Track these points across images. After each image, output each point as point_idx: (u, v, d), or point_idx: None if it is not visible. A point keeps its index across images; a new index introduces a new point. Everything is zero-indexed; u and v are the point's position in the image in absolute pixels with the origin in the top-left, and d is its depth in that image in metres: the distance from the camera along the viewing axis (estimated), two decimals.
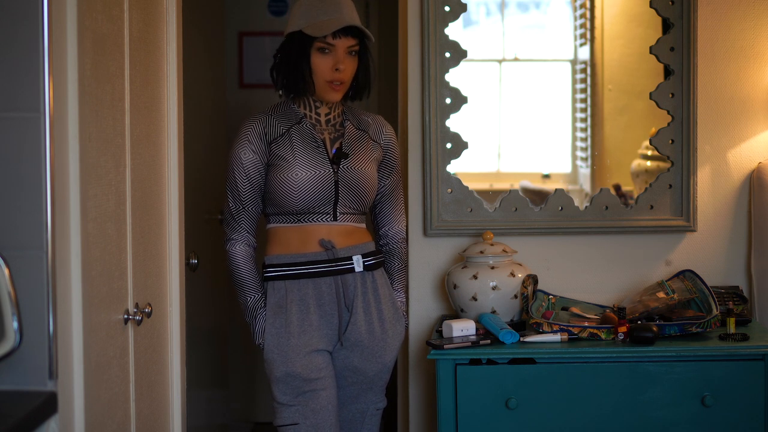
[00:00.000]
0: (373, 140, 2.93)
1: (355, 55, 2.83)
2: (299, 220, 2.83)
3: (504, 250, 3.16)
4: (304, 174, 2.79)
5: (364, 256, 2.85)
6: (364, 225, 2.92)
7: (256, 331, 2.82)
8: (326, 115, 2.88)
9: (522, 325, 3.11)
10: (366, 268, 2.85)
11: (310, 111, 2.87)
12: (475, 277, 3.11)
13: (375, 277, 2.87)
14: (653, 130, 3.41)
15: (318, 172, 2.80)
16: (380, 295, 2.86)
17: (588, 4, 3.70)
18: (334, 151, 2.84)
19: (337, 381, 2.86)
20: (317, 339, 2.80)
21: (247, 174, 2.82)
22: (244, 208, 2.85)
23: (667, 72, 3.37)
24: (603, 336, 2.94)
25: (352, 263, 2.83)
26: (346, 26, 2.77)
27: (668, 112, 3.36)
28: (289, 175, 2.79)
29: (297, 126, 2.84)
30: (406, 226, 3.07)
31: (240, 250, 2.86)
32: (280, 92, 2.90)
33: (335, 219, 2.84)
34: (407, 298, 3.44)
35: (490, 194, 3.46)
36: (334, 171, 2.81)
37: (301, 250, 2.84)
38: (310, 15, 2.78)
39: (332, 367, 2.84)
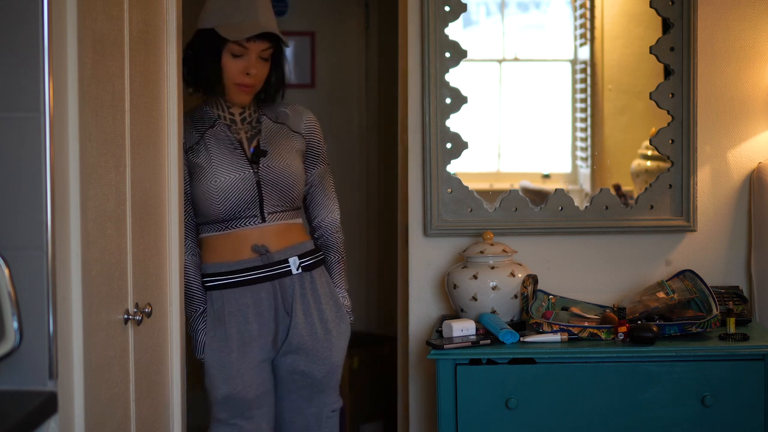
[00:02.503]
0: (294, 131, 2.85)
1: (267, 59, 2.77)
2: (227, 227, 2.77)
3: (504, 250, 3.16)
4: (224, 179, 2.72)
5: (300, 256, 2.79)
6: (299, 220, 2.84)
7: (197, 346, 2.79)
8: (240, 114, 2.81)
9: (522, 325, 3.11)
10: (303, 269, 2.79)
11: (223, 111, 2.80)
12: (475, 277, 3.11)
13: (314, 276, 2.82)
14: (653, 130, 3.40)
15: (238, 175, 2.73)
16: (320, 295, 2.81)
17: (588, 4, 3.70)
18: (252, 150, 2.78)
19: (287, 386, 2.84)
20: (257, 350, 2.77)
21: None
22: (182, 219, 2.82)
23: (667, 72, 3.37)
24: (603, 336, 2.94)
25: (289, 266, 2.79)
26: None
27: (668, 112, 3.35)
28: (209, 182, 2.73)
29: (211, 130, 2.78)
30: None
31: (190, 261, 2.82)
32: (191, 90, 2.83)
33: (264, 221, 2.76)
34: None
35: (490, 194, 3.46)
36: (254, 171, 2.75)
37: (235, 257, 2.78)
38: (224, 13, 2.71)
39: (272, 377, 2.81)
